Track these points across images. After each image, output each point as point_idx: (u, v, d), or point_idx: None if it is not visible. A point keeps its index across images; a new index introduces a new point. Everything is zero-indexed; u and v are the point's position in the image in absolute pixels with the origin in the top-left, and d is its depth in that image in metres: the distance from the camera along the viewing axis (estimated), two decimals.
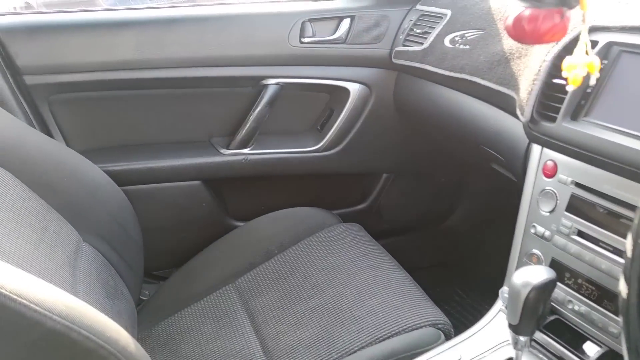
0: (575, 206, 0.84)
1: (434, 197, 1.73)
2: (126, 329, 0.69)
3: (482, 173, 1.48)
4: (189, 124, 1.47)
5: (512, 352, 0.86)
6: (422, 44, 1.32)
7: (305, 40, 1.41)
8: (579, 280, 0.83)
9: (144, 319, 1.21)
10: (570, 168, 0.86)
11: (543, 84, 0.89)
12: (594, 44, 0.83)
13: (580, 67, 0.60)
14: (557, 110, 0.86)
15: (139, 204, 1.27)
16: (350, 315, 1.03)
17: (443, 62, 1.22)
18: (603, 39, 0.83)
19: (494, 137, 1.11)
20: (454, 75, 1.18)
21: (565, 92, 0.86)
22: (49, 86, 1.32)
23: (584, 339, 0.84)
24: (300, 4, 1.45)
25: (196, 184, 1.46)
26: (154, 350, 1.10)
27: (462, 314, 1.61)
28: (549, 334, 0.87)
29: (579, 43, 0.60)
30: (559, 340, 0.86)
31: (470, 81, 1.13)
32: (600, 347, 0.81)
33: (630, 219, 0.77)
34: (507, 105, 1.03)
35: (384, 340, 0.97)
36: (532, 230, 0.91)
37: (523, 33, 0.61)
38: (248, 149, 1.47)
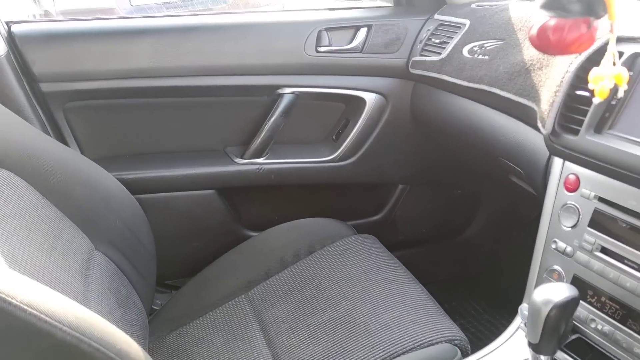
0: (598, 222, 0.82)
1: (449, 209, 1.71)
2: (137, 339, 0.68)
3: (499, 185, 1.46)
4: (203, 133, 1.47)
5: None
6: (439, 54, 1.31)
7: (322, 49, 1.40)
8: (603, 299, 0.81)
9: (155, 328, 1.20)
10: (593, 182, 0.83)
11: (565, 95, 0.87)
12: (619, 54, 0.81)
13: (607, 79, 0.58)
14: (580, 123, 0.84)
15: (152, 213, 1.26)
16: (365, 330, 1.01)
17: (461, 73, 1.20)
18: (629, 49, 0.81)
19: (513, 149, 1.09)
20: (472, 85, 1.16)
21: (589, 104, 0.83)
22: (64, 94, 1.32)
23: (607, 359, 0.81)
24: (316, 13, 1.44)
25: (210, 193, 1.45)
26: None
27: (478, 329, 1.57)
28: (571, 353, 0.84)
29: (607, 54, 0.58)
30: None
31: (489, 92, 1.11)
32: None
33: None
34: (527, 117, 1.01)
35: (399, 355, 0.95)
36: (553, 246, 0.89)
37: (548, 43, 0.59)
38: (263, 158, 1.46)
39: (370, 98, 1.45)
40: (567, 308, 0.75)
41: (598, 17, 0.57)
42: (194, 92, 1.38)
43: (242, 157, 1.45)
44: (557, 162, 0.91)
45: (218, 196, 1.47)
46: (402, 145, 1.52)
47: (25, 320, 0.54)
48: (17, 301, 0.54)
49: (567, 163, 0.88)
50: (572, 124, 0.86)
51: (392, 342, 0.97)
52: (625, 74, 0.58)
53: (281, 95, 1.41)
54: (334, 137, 1.53)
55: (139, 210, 1.21)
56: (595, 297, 0.82)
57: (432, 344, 0.97)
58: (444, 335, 0.99)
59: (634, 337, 0.76)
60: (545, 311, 0.74)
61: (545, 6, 0.59)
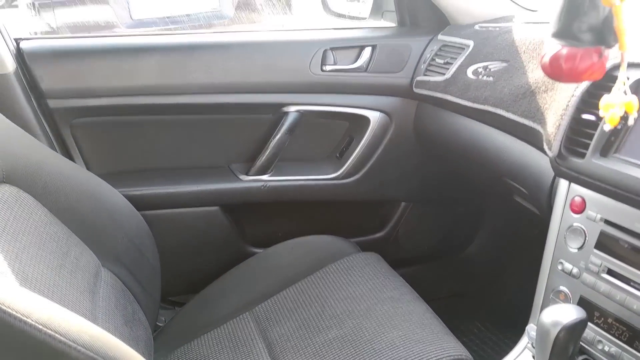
0: (604, 244, 0.83)
1: (453, 227, 1.72)
2: (143, 356, 0.69)
3: (503, 204, 1.47)
4: (208, 150, 1.48)
5: None
6: (443, 74, 1.32)
7: (327, 68, 1.41)
8: (609, 320, 0.82)
9: (160, 345, 1.20)
10: (599, 205, 0.84)
11: (571, 119, 0.88)
12: None
13: (618, 107, 0.60)
14: (586, 146, 0.85)
15: (157, 229, 1.27)
16: (371, 348, 1.02)
17: (466, 93, 1.22)
18: (634, 75, 0.83)
19: (518, 170, 1.10)
20: (477, 106, 1.18)
21: (595, 128, 0.85)
22: (72, 110, 1.33)
23: None
24: (322, 32, 1.46)
25: (215, 209, 1.46)
26: None
27: (481, 348, 1.58)
28: None
29: (617, 82, 0.60)
30: None
31: (494, 113, 1.12)
32: None
33: None
34: (532, 138, 1.03)
35: None
36: (560, 267, 0.90)
37: (560, 72, 0.60)
38: (267, 175, 1.47)
39: (374, 116, 1.46)
40: (575, 330, 0.76)
41: (609, 46, 0.59)
42: (200, 110, 1.40)
43: (246, 174, 1.46)
44: (563, 184, 0.92)
45: (222, 213, 1.47)
46: (405, 163, 1.53)
47: (41, 340, 0.54)
48: (32, 320, 0.54)
49: (573, 185, 0.89)
50: (579, 147, 0.87)
51: None
52: (635, 102, 0.60)
53: (286, 113, 1.43)
54: (337, 155, 1.54)
55: (144, 226, 1.22)
56: (602, 319, 0.83)
57: None
58: (450, 354, 0.99)
59: None
60: (554, 333, 0.75)
61: (557, 35, 0.61)
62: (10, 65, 1.25)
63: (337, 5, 1.62)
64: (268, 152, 1.45)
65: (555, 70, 0.61)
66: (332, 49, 1.42)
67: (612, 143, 0.83)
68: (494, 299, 1.66)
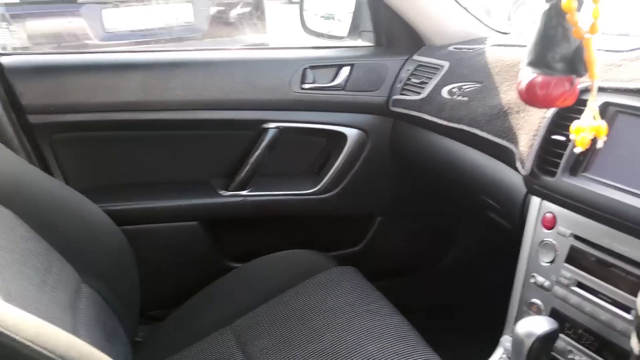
0: (574, 258, 0.87)
1: (429, 241, 1.76)
2: None
3: (477, 219, 1.51)
4: (189, 165, 1.49)
5: None
6: (419, 93, 1.37)
7: (306, 86, 1.44)
8: (580, 331, 0.86)
9: None
10: (569, 221, 0.89)
11: (543, 139, 0.93)
12: None
13: (587, 131, 0.64)
14: (557, 165, 0.90)
15: (137, 244, 1.27)
16: None
17: (441, 112, 1.26)
18: (600, 99, 0.88)
19: (492, 187, 1.15)
20: (452, 125, 1.22)
21: (564, 148, 0.90)
22: (52, 125, 1.33)
23: None
24: (302, 51, 1.50)
25: (194, 224, 1.47)
26: None
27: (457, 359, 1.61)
28: None
29: (587, 108, 0.64)
30: None
31: (469, 132, 1.17)
32: None
33: (630, 273, 0.80)
34: (505, 156, 1.07)
35: None
36: (532, 280, 0.94)
37: (535, 98, 0.64)
38: (246, 190, 1.48)
39: (351, 134, 1.50)
40: (548, 340, 0.80)
41: (580, 75, 0.63)
42: (181, 126, 1.41)
43: (226, 190, 1.48)
44: (535, 200, 0.96)
45: (202, 228, 1.48)
46: (381, 179, 1.57)
47: (30, 357, 0.55)
48: (21, 337, 0.55)
49: (545, 202, 0.94)
50: (550, 166, 0.92)
51: None
52: (604, 126, 0.64)
53: (266, 129, 1.45)
54: (316, 171, 1.57)
55: (124, 242, 1.22)
56: (573, 330, 0.87)
57: None
58: None
59: None
60: (528, 343, 0.79)
61: (532, 64, 0.65)
62: None
63: (315, 24, 1.66)
64: (247, 167, 1.47)
65: (531, 97, 0.65)
66: (311, 67, 1.45)
67: (580, 162, 0.88)
68: (470, 311, 1.70)
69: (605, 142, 0.85)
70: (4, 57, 1.30)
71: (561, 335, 0.88)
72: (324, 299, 1.22)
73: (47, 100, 1.30)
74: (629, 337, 0.61)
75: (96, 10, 3.79)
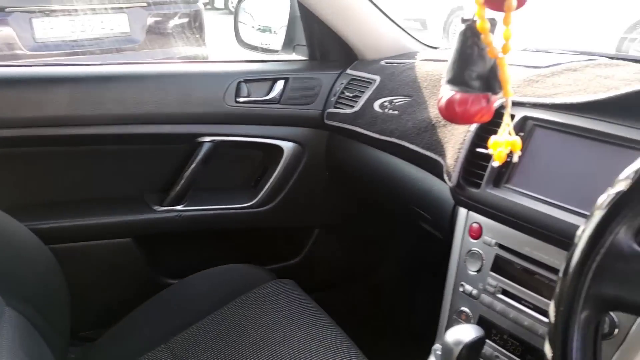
0: (499, 266, 0.91)
1: (365, 251, 1.78)
2: None
3: (411, 229, 1.55)
4: (121, 180, 1.45)
5: None
6: (352, 106, 1.39)
7: (241, 99, 1.44)
8: (505, 337, 0.89)
9: None
10: (494, 230, 0.93)
11: (468, 152, 0.97)
12: (511, 117, 0.92)
13: (504, 146, 0.67)
14: (481, 177, 0.94)
15: (67, 263, 1.23)
16: None
17: (373, 126, 1.29)
18: (519, 113, 0.92)
19: (422, 198, 1.18)
20: (384, 138, 1.25)
21: (488, 161, 0.93)
22: None
23: None
24: (236, 65, 1.49)
25: (127, 241, 1.43)
26: None
27: None
28: None
29: (503, 124, 0.67)
30: None
31: (400, 145, 1.20)
32: None
33: (549, 279, 0.84)
34: (434, 168, 1.10)
35: None
36: (461, 289, 0.97)
37: (455, 115, 0.67)
38: (182, 205, 1.46)
39: (287, 147, 1.50)
40: (475, 347, 0.83)
41: (495, 93, 0.66)
42: (113, 141, 1.38)
43: (160, 205, 1.45)
44: (462, 211, 1.00)
45: (136, 244, 1.45)
46: (318, 191, 1.58)
47: None
48: None
49: (471, 213, 0.97)
50: (474, 178, 0.95)
51: None
52: (519, 141, 0.67)
53: (201, 143, 1.44)
54: (252, 184, 1.56)
55: (53, 262, 1.18)
56: (499, 336, 0.90)
57: None
58: None
59: None
60: (456, 351, 0.81)
61: (451, 82, 0.67)
62: None
63: (250, 37, 1.66)
64: (182, 182, 1.45)
65: (450, 113, 0.67)
66: (245, 80, 1.45)
67: (503, 174, 0.92)
68: (406, 319, 1.73)
69: (525, 155, 0.90)
70: None
71: (488, 341, 0.91)
72: (262, 314, 1.21)
73: None
74: None
75: (26, 19, 3.64)
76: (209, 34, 4.31)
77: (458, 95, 0.66)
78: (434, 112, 1.14)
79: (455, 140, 1.01)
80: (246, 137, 1.48)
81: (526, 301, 0.86)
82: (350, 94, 1.43)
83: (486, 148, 0.93)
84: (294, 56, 1.61)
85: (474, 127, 0.97)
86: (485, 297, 0.92)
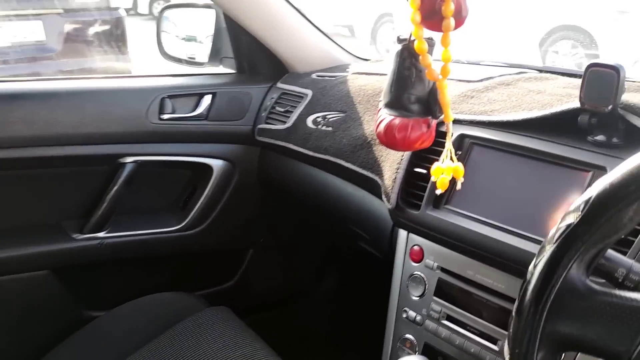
0: (443, 291, 0.88)
1: (301, 271, 1.73)
2: None
3: (349, 249, 1.51)
4: (35, 207, 1.33)
5: None
6: (284, 122, 1.34)
7: (165, 116, 1.36)
8: None
9: None
10: (435, 253, 0.89)
11: (406, 172, 0.93)
12: None
13: (446, 173, 0.64)
14: (421, 198, 0.90)
15: None
16: None
17: (307, 143, 1.24)
18: (456, 131, 0.90)
19: (360, 218, 1.14)
20: (318, 156, 1.20)
21: (427, 181, 0.90)
22: None
23: None
24: (158, 79, 1.41)
25: (44, 273, 1.31)
26: None
27: None
28: None
29: (445, 150, 0.64)
30: None
31: (335, 163, 1.15)
32: None
33: (493, 303, 0.82)
34: (372, 187, 1.07)
35: None
36: (404, 315, 0.93)
37: (394, 141, 0.63)
38: (104, 232, 1.36)
39: (217, 165, 1.43)
40: None
41: (436, 117, 0.63)
42: (23, 165, 1.26)
43: (80, 232, 1.34)
44: (402, 233, 0.96)
45: (54, 276, 1.33)
46: (251, 210, 1.51)
47: None
48: None
49: (412, 235, 0.94)
50: (414, 199, 0.92)
51: None
52: (461, 168, 0.64)
53: (123, 164, 1.34)
54: (181, 205, 1.48)
55: None
56: None
57: None
58: None
59: None
60: None
61: (389, 105, 0.63)
62: None
63: (174, 49, 1.57)
64: (104, 206, 1.35)
65: (390, 139, 0.63)
66: (170, 96, 1.36)
67: (443, 195, 0.89)
68: (345, 342, 1.69)
69: (464, 175, 0.88)
70: None
71: None
72: (196, 345, 1.14)
73: None
74: None
75: None
76: (131, 42, 4.15)
77: (397, 120, 0.63)
78: (369, 129, 1.10)
79: (392, 160, 0.98)
80: (172, 156, 1.40)
81: (471, 327, 0.83)
82: (282, 109, 1.37)
83: (425, 168, 0.91)
84: (221, 69, 1.53)
85: None
86: (430, 324, 0.89)
